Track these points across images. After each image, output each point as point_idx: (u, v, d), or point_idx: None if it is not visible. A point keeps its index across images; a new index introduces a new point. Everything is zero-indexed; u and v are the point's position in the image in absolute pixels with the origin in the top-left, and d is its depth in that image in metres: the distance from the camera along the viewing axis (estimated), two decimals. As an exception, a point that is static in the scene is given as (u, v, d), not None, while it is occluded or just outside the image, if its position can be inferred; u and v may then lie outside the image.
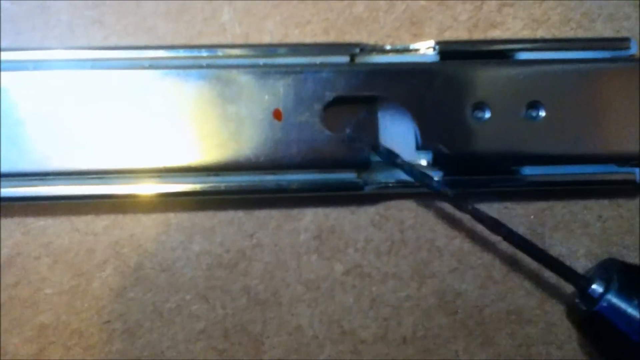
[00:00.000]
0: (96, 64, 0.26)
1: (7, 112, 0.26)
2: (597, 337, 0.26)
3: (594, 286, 0.25)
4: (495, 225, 0.25)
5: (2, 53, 0.26)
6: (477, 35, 0.29)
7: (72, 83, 0.26)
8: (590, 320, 0.26)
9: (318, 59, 0.27)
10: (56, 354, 0.27)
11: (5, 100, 0.26)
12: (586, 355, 0.28)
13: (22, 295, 0.27)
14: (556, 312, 0.28)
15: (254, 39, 0.28)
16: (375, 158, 0.27)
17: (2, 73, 0.26)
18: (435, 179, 0.26)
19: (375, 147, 0.27)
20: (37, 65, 0.26)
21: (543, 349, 0.28)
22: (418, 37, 0.28)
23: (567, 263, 0.28)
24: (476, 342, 0.28)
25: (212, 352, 0.27)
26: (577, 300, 0.26)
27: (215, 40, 0.28)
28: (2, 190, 0.26)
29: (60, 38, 0.27)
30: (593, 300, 0.25)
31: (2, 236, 0.27)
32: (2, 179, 0.26)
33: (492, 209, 0.28)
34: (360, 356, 0.28)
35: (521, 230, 0.28)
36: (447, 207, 0.28)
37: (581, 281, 0.26)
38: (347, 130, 0.27)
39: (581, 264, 0.28)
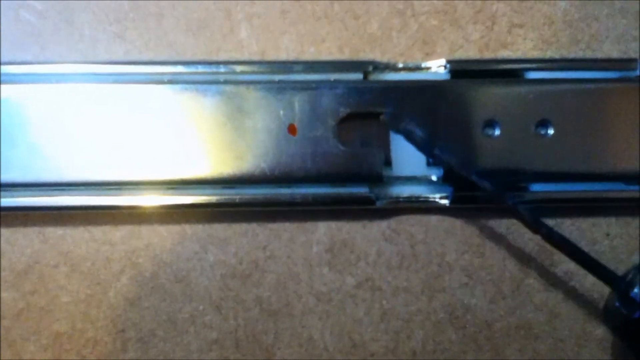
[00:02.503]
0: (118, 77, 0.27)
1: (30, 125, 0.26)
2: None
3: (636, 289, 0.25)
4: (532, 222, 0.25)
5: (31, 66, 0.27)
6: (488, 55, 0.29)
7: (94, 96, 0.27)
8: (633, 324, 0.25)
9: (332, 76, 0.28)
10: (71, 361, 0.28)
11: (29, 113, 0.27)
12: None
13: (39, 303, 0.28)
14: (565, 327, 0.28)
15: (271, 56, 0.29)
16: (387, 173, 0.27)
17: (29, 85, 0.27)
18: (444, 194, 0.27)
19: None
20: (60, 78, 0.27)
21: (552, 364, 0.28)
22: (430, 56, 0.29)
23: (575, 280, 0.29)
24: (485, 357, 0.28)
25: (224, 363, 0.28)
26: (616, 305, 0.25)
27: (233, 56, 0.28)
28: (22, 199, 0.27)
29: (83, 52, 0.28)
30: (635, 303, 0.24)
31: (21, 244, 0.28)
32: (23, 188, 0.27)
33: (501, 224, 0.29)
34: (370, 369, 0.28)
35: (530, 245, 0.28)
36: (458, 223, 0.29)
37: (622, 284, 0.25)
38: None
39: (590, 281, 0.28)
